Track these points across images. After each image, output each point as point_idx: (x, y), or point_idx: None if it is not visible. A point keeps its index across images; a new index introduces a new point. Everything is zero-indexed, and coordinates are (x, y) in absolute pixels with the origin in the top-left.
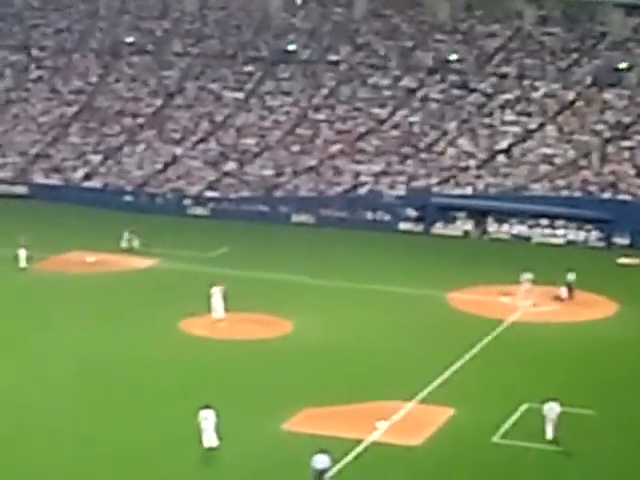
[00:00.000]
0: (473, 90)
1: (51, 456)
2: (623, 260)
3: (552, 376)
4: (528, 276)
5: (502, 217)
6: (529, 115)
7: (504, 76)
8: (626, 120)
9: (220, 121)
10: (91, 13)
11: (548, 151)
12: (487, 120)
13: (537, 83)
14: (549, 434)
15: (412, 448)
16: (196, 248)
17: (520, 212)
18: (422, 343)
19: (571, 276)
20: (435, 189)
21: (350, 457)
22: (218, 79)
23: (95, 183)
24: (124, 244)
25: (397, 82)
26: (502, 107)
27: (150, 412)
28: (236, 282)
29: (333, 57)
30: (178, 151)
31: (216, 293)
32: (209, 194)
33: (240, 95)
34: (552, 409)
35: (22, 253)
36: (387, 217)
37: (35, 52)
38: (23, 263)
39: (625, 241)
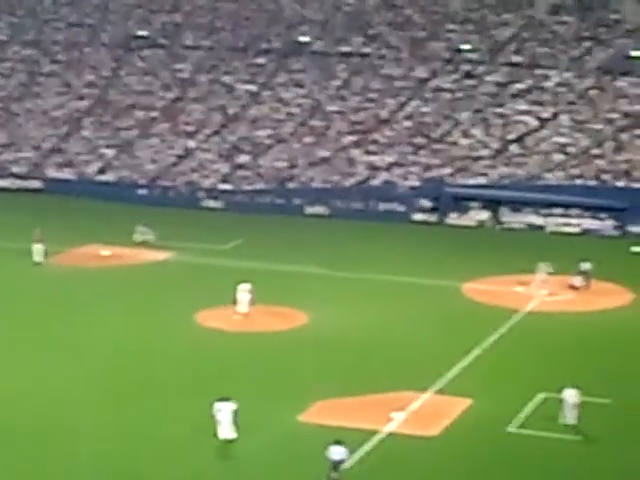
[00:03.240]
0: (485, 80)
1: (68, 449)
2: (638, 249)
3: (568, 365)
4: (543, 266)
5: (516, 207)
6: (542, 104)
7: (517, 65)
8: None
9: (233, 114)
10: (103, 7)
11: (561, 140)
12: (500, 110)
13: (550, 72)
14: (570, 419)
15: (429, 439)
16: (210, 241)
17: (534, 201)
18: (437, 333)
19: (586, 265)
20: (449, 179)
21: (366, 448)
22: (230, 72)
23: (109, 177)
24: (138, 237)
25: (409, 72)
26: (515, 96)
27: (166, 404)
28: (250, 274)
29: (345, 48)
30: (191, 144)
31: (243, 291)
32: (223, 186)
33: (253, 87)
34: (572, 396)
35: (37, 248)
36: (401, 208)
37: (47, 46)
38: (38, 257)
39: None
